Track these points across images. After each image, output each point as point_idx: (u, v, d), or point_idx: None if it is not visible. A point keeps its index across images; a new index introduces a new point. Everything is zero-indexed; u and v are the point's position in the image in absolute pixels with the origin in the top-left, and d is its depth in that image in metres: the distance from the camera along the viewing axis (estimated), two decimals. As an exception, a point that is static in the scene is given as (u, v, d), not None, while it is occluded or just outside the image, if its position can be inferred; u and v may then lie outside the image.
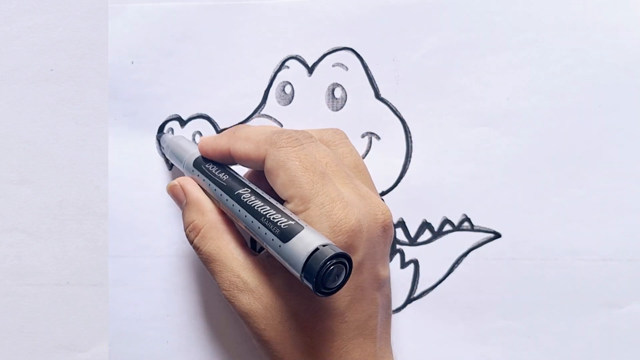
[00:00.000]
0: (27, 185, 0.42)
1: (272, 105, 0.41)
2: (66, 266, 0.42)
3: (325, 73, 0.41)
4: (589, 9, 0.40)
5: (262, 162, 0.34)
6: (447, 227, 0.41)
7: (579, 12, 0.40)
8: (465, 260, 0.41)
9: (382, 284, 0.35)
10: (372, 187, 0.37)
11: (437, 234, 0.41)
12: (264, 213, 0.32)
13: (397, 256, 0.41)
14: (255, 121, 0.41)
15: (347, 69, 0.41)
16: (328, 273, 0.29)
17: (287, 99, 0.41)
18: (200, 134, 0.41)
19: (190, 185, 0.37)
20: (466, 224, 0.41)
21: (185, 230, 0.37)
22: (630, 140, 0.40)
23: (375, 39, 0.41)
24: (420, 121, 0.41)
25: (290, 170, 0.32)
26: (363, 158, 0.41)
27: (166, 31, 0.41)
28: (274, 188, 0.34)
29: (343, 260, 0.29)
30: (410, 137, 0.41)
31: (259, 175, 0.36)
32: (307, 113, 0.41)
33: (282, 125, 0.41)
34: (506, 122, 0.40)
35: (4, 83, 0.42)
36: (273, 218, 0.31)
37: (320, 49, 0.41)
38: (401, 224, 0.41)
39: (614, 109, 0.40)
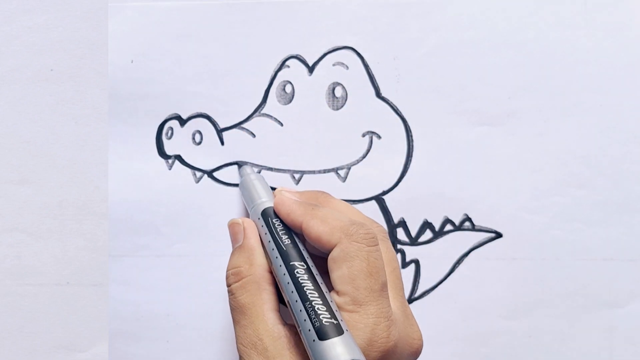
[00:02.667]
0: (27, 185, 0.42)
1: (273, 105, 0.41)
2: (66, 266, 0.42)
3: (326, 72, 0.41)
4: (590, 8, 0.40)
5: (330, 249, 0.33)
6: (448, 227, 0.41)
7: (580, 11, 0.40)
8: (466, 260, 0.41)
9: None
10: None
11: (438, 234, 0.41)
12: (311, 299, 0.31)
13: (398, 256, 0.41)
14: (255, 120, 0.41)
15: (347, 67, 0.41)
16: None
17: (288, 98, 0.41)
18: (200, 133, 0.41)
19: (252, 230, 0.36)
20: (467, 223, 0.41)
21: (227, 271, 0.36)
22: (631, 139, 0.40)
23: (376, 37, 0.40)
24: (421, 120, 0.41)
25: (354, 269, 0.32)
26: (364, 158, 0.41)
27: (166, 30, 0.41)
28: (330, 274, 0.33)
29: None
30: (411, 136, 0.41)
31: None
32: (307, 112, 0.41)
33: (282, 125, 0.41)
34: (507, 122, 0.40)
35: (4, 83, 0.42)
36: (318, 309, 0.31)
37: (321, 48, 0.41)
38: (402, 223, 0.41)
39: (615, 109, 0.40)
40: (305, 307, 0.31)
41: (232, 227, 0.37)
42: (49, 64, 0.42)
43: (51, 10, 0.42)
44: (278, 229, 0.35)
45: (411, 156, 0.41)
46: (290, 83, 0.41)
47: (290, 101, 0.41)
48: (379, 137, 0.41)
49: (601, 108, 0.40)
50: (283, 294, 0.33)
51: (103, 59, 0.42)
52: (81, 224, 0.42)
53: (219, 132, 0.41)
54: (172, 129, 0.42)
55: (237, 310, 0.34)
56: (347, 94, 0.41)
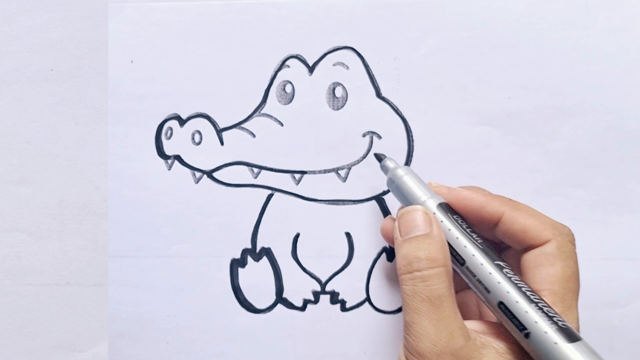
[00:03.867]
0: (27, 185, 0.42)
1: (273, 105, 0.41)
2: (66, 266, 0.42)
3: (326, 72, 0.41)
4: (590, 7, 0.40)
5: (540, 242, 0.32)
6: (448, 227, 0.41)
7: (580, 10, 0.40)
8: (466, 259, 0.41)
9: None
10: None
11: (438, 234, 0.41)
12: (536, 301, 0.30)
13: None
14: (255, 120, 0.41)
15: (347, 67, 0.41)
16: None
17: (288, 98, 0.41)
18: (200, 134, 0.41)
19: (437, 222, 0.33)
20: (467, 223, 0.41)
21: (416, 255, 0.32)
22: (631, 139, 0.40)
23: (376, 37, 0.41)
24: (421, 120, 0.41)
25: (569, 270, 0.32)
26: (364, 158, 0.41)
27: (166, 30, 0.41)
28: (535, 269, 0.32)
29: None
30: (412, 136, 0.41)
31: None
32: (307, 112, 0.41)
33: (282, 125, 0.41)
34: (507, 121, 0.40)
35: (4, 83, 0.42)
36: (548, 311, 0.30)
37: (321, 48, 0.41)
38: (402, 223, 0.41)
39: (616, 108, 0.40)
40: (533, 309, 0.30)
41: (413, 213, 0.34)
42: (49, 64, 0.42)
43: (51, 10, 0.42)
44: (464, 226, 0.33)
45: (411, 156, 0.41)
46: (291, 83, 0.41)
47: (291, 101, 0.41)
48: (379, 137, 0.41)
49: (601, 108, 0.40)
50: (484, 294, 0.32)
51: (103, 59, 0.42)
52: (81, 224, 0.42)
53: (219, 132, 0.41)
54: (171, 129, 0.42)
55: (429, 302, 0.31)
56: (347, 94, 0.41)
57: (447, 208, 0.35)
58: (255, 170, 0.41)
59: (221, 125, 0.41)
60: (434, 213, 0.34)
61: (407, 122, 0.41)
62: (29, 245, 0.42)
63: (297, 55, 0.41)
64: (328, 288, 0.41)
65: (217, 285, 0.42)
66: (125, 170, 0.42)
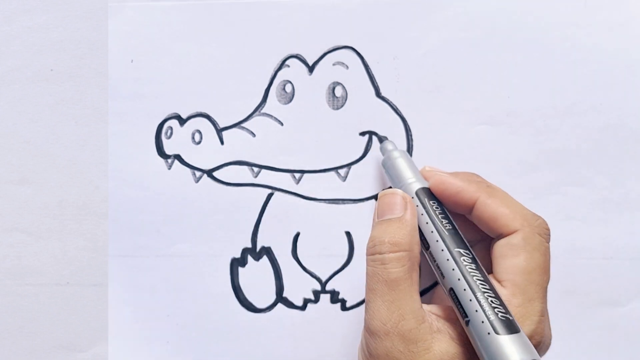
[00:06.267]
0: (27, 185, 0.42)
1: (273, 104, 0.41)
2: (66, 266, 0.42)
3: (326, 71, 0.41)
4: (590, 7, 0.40)
5: (508, 232, 0.33)
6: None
7: (580, 10, 0.40)
8: (466, 259, 0.41)
9: None
10: None
11: (438, 233, 0.41)
12: (484, 290, 0.30)
13: (398, 255, 0.41)
14: (255, 120, 0.41)
15: (347, 67, 0.41)
16: None
17: (288, 97, 0.41)
18: (200, 133, 0.41)
19: (413, 206, 0.34)
20: (467, 222, 0.40)
21: (381, 238, 0.33)
22: (631, 138, 0.40)
23: (376, 37, 0.41)
24: (420, 120, 0.41)
25: (534, 262, 0.32)
26: (363, 157, 0.41)
27: (166, 30, 0.41)
28: (499, 259, 0.33)
29: None
30: (411, 135, 0.41)
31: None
32: (307, 112, 0.41)
33: (282, 124, 0.41)
34: (507, 121, 0.40)
35: (4, 83, 0.42)
36: (492, 301, 0.30)
37: (321, 48, 0.41)
38: (402, 223, 0.41)
39: (616, 107, 0.40)
40: (477, 298, 0.30)
41: (391, 197, 0.35)
42: (49, 64, 0.42)
43: (51, 10, 0.42)
44: (437, 212, 0.34)
45: (411, 155, 0.41)
46: (290, 82, 0.41)
47: (290, 101, 0.41)
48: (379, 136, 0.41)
49: (601, 107, 0.40)
50: (441, 279, 0.33)
51: (103, 59, 0.42)
52: (81, 224, 0.42)
53: (219, 131, 0.41)
54: (171, 128, 0.42)
55: (385, 283, 0.32)
56: (347, 94, 0.41)
57: (427, 193, 0.35)
58: (255, 169, 0.41)
59: (221, 125, 0.42)
60: (412, 197, 0.35)
61: (406, 121, 0.41)
62: (29, 245, 0.42)
63: (297, 54, 0.41)
64: (328, 287, 0.41)
65: (217, 284, 0.42)
66: (125, 170, 0.42)
